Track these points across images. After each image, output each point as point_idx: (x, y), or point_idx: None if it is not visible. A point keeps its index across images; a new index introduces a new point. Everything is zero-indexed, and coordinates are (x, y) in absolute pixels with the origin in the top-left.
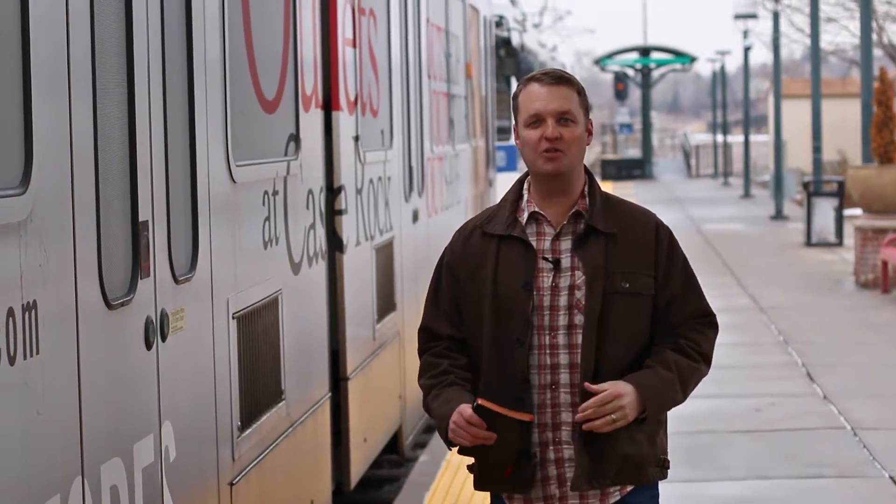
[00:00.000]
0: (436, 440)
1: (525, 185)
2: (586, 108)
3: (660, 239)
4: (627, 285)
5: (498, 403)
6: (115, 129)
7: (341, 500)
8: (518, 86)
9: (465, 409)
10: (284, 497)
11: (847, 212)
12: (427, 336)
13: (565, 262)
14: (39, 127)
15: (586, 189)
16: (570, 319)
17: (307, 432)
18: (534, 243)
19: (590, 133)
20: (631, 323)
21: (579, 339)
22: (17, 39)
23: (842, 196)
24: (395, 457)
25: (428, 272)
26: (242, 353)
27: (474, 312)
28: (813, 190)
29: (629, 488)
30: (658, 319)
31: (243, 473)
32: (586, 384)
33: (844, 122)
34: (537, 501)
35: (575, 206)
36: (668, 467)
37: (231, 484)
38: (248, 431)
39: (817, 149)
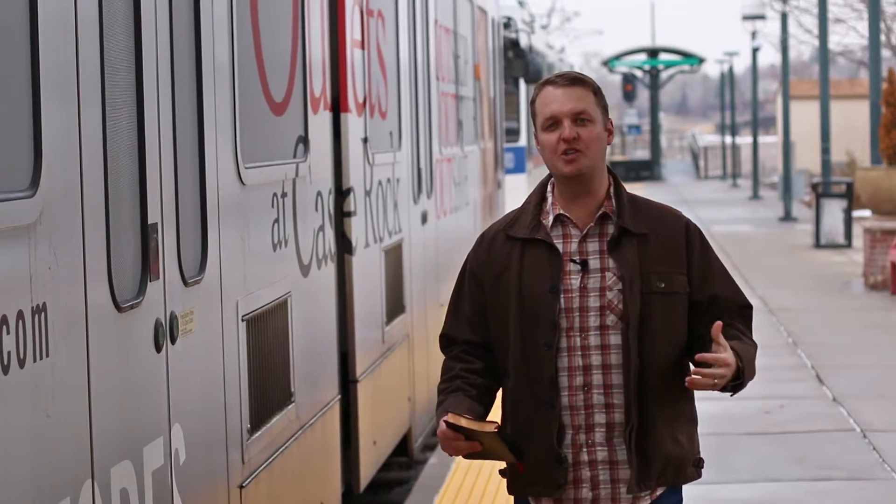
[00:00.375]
0: None
1: (549, 188)
2: (604, 108)
3: (690, 238)
4: (663, 285)
5: (526, 408)
6: (124, 132)
7: (350, 502)
8: (534, 90)
9: (442, 424)
10: (294, 500)
11: (856, 213)
12: (446, 341)
13: (594, 263)
14: (48, 129)
15: (612, 190)
16: (601, 321)
17: (316, 435)
18: (560, 246)
19: (610, 132)
20: (668, 322)
21: (611, 339)
22: (26, 42)
23: (850, 197)
24: (405, 459)
25: (437, 274)
26: (252, 355)
27: (500, 317)
28: (821, 191)
29: (658, 492)
30: (700, 314)
31: (253, 476)
32: (717, 326)
33: (853, 123)
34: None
35: (601, 207)
36: (703, 466)
37: (241, 487)
38: (257, 434)
39: (826, 150)
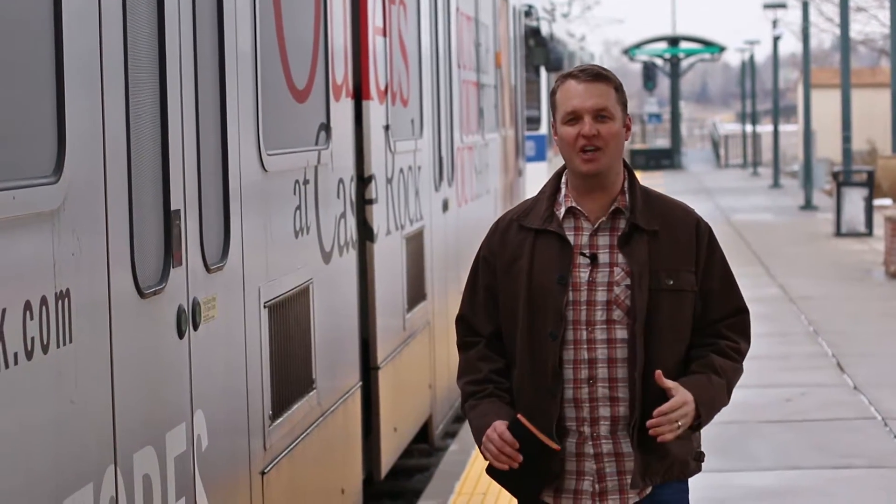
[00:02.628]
0: (465, 430)
1: (563, 179)
2: (624, 104)
3: (700, 235)
4: (672, 282)
5: (527, 396)
6: (147, 119)
7: (371, 489)
8: (556, 82)
9: (500, 425)
10: (315, 486)
11: (877, 202)
12: (465, 329)
13: (603, 257)
14: (72, 116)
15: (626, 185)
16: (608, 315)
17: (338, 422)
18: (571, 238)
19: (628, 129)
20: (675, 320)
21: (617, 334)
22: (51, 31)
23: (871, 186)
24: (426, 446)
25: (458, 261)
26: (274, 342)
27: (509, 305)
28: (842, 180)
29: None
30: (697, 314)
31: (274, 462)
32: (658, 374)
33: (874, 111)
34: (567, 494)
35: (614, 202)
36: (703, 460)
37: (262, 473)
38: (279, 421)
39: (847, 138)
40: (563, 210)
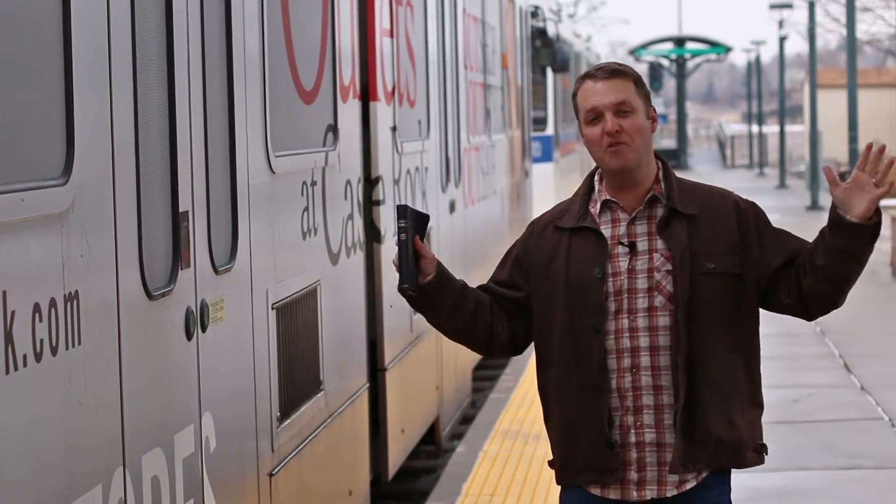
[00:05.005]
0: (473, 431)
1: (597, 177)
2: (645, 96)
3: (742, 215)
4: (713, 266)
5: (574, 395)
6: (155, 120)
7: (379, 490)
8: (575, 84)
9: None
10: (323, 487)
11: (882, 202)
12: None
13: (642, 245)
14: (81, 118)
15: (661, 174)
16: (650, 302)
17: (345, 423)
18: (608, 230)
19: (654, 120)
20: (720, 303)
21: (660, 321)
22: (59, 32)
23: None
24: (433, 448)
25: (465, 262)
26: (282, 343)
27: (546, 306)
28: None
29: (704, 475)
30: (785, 275)
31: (282, 464)
32: (825, 168)
33: (880, 111)
34: (614, 485)
35: (650, 191)
36: (767, 453)
37: (270, 475)
38: (287, 422)
39: (853, 139)
40: (598, 205)
